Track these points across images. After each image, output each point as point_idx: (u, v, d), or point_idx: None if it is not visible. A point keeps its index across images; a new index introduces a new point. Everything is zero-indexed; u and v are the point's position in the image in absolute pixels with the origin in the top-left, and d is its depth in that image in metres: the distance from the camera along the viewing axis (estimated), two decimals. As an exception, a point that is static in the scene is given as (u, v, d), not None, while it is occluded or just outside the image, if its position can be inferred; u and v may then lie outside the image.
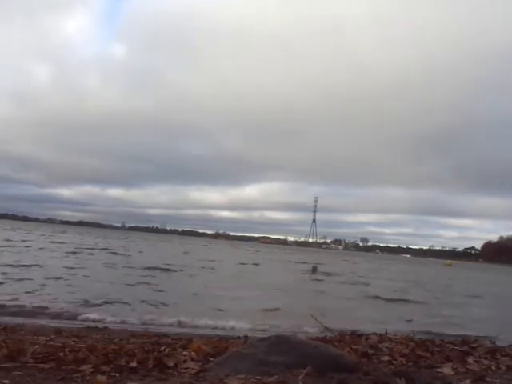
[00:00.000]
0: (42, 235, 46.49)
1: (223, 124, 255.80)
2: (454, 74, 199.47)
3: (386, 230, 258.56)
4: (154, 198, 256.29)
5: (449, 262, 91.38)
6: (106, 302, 9.84)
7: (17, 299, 9.27)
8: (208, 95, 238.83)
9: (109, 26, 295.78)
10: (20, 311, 8.32)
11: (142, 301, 10.44)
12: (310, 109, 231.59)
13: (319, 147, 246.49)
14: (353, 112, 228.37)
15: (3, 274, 12.94)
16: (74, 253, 24.45)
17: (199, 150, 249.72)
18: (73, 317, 8.29)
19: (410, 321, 10.52)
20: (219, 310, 10.06)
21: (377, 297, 15.42)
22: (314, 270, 25.18)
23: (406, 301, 15.31)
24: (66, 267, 16.35)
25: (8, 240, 29.73)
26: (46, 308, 8.76)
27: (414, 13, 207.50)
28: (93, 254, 25.20)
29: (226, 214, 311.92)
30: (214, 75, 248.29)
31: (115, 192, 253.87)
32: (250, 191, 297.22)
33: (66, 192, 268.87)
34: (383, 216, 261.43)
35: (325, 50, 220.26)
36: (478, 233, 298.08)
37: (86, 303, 9.56)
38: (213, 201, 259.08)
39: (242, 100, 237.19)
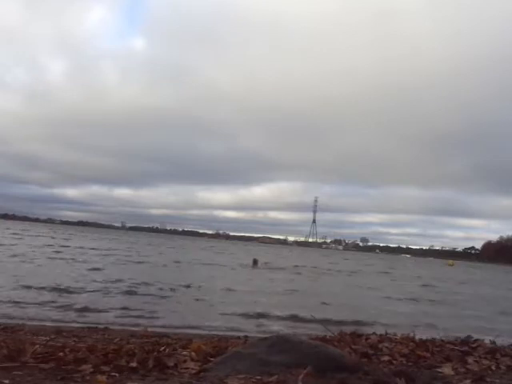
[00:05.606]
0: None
1: (242, 123, 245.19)
2: (474, 72, 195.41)
3: (393, 230, 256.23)
4: (161, 199, 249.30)
5: (450, 261, 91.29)
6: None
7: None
8: (230, 93, 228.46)
9: (128, 19, 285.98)
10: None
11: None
12: (326, 108, 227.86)
13: (334, 147, 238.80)
14: (370, 110, 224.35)
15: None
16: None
17: (214, 149, 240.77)
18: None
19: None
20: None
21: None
22: (255, 263, 27.89)
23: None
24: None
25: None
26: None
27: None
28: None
29: (230, 214, 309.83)
30: (238, 72, 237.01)
31: (122, 192, 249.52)
32: (259, 191, 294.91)
33: (69, 192, 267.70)
34: (392, 216, 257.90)
35: (341, 47, 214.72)
36: (486, 233, 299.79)
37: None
38: (219, 201, 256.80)
39: (265, 98, 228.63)
